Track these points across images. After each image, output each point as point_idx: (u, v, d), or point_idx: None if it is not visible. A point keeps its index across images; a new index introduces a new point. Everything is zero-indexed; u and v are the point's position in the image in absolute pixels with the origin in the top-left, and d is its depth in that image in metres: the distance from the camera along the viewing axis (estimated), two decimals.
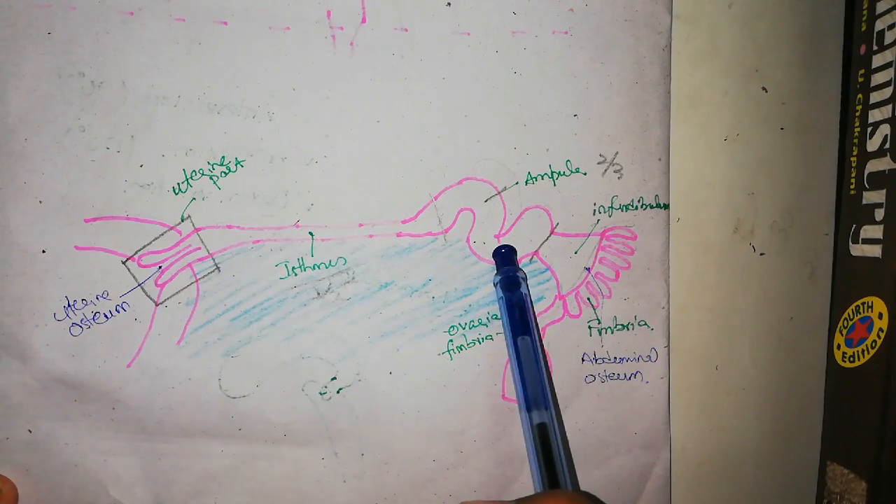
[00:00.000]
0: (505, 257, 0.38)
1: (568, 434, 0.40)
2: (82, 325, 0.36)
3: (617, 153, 0.39)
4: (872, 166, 0.38)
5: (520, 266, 0.38)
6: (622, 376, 0.40)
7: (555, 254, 0.39)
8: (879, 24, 0.38)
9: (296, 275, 0.37)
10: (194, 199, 0.36)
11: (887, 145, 0.37)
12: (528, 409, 0.34)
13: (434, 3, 0.36)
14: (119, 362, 0.36)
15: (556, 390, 0.39)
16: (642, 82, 0.38)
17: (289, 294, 0.37)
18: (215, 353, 0.37)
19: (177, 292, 0.36)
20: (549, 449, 0.32)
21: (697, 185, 0.41)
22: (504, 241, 0.38)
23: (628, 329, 0.40)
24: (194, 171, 0.36)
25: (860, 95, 0.39)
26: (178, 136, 0.35)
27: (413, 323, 0.38)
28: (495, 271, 0.38)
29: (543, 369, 0.35)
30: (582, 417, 0.40)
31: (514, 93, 0.37)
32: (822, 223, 0.43)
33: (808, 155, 0.42)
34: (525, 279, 0.38)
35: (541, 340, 0.38)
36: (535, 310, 0.39)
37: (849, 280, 0.40)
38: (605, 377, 0.40)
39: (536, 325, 0.38)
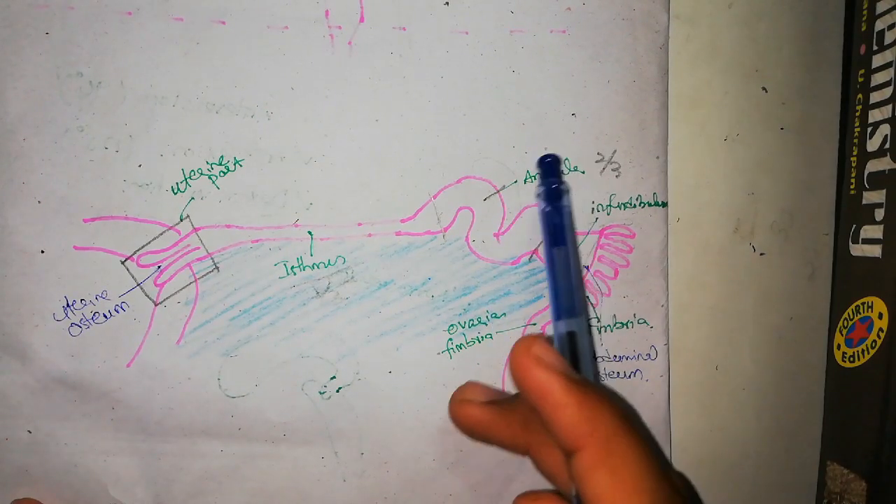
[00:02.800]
0: (549, 167, 0.37)
1: None
2: (81, 326, 0.36)
3: (615, 151, 0.39)
4: (872, 166, 0.38)
5: (561, 177, 0.38)
6: (622, 374, 0.40)
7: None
8: (879, 24, 0.38)
9: (295, 274, 0.37)
10: (193, 198, 0.36)
11: (887, 145, 0.37)
12: (558, 318, 0.34)
13: (432, 2, 0.36)
14: (118, 362, 0.36)
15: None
16: (640, 81, 0.38)
17: (288, 293, 0.37)
18: (215, 353, 0.37)
19: (176, 292, 0.36)
20: (576, 355, 0.34)
21: (697, 185, 0.41)
22: (504, 238, 0.38)
23: (627, 327, 0.40)
24: (193, 170, 0.36)
25: (860, 95, 0.39)
26: (177, 136, 0.35)
27: (412, 322, 0.38)
28: (540, 181, 0.38)
29: (574, 280, 0.36)
30: None
31: (512, 91, 0.37)
32: (822, 223, 0.43)
33: (808, 155, 0.42)
34: (568, 192, 0.38)
35: (577, 252, 0.39)
36: (535, 308, 0.39)
37: (849, 280, 0.40)
38: (604, 375, 0.40)
39: (574, 238, 0.39)
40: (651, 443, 0.38)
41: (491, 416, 0.34)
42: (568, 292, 0.35)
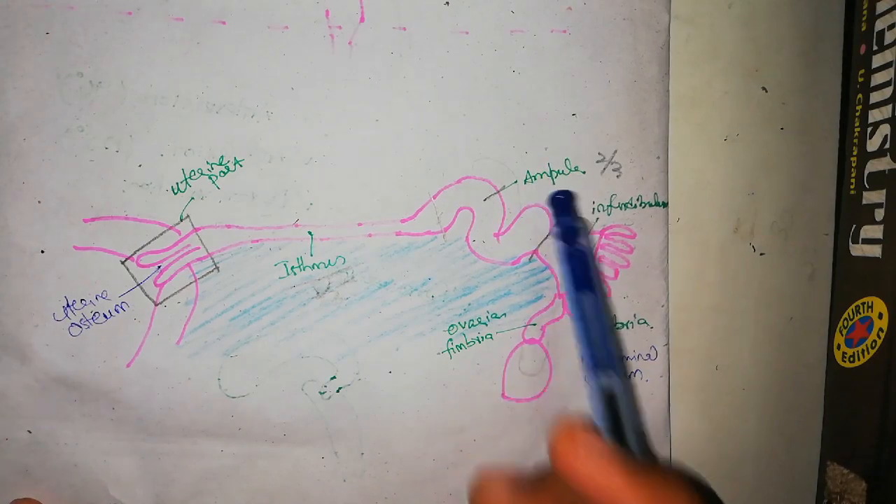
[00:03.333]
0: (562, 205, 0.35)
1: None
2: (81, 326, 0.36)
3: (615, 151, 0.39)
4: (872, 166, 0.38)
5: (577, 213, 0.36)
6: None
7: (554, 252, 0.39)
8: (879, 24, 0.38)
9: (295, 274, 0.37)
10: (193, 198, 0.36)
11: (887, 145, 0.37)
12: (596, 370, 0.30)
13: (432, 2, 0.36)
14: (118, 362, 0.36)
15: (555, 388, 0.39)
16: (641, 81, 0.38)
17: (288, 293, 0.37)
18: (215, 353, 0.37)
19: (176, 292, 0.36)
20: (618, 419, 0.29)
21: (697, 185, 0.41)
22: (504, 238, 0.38)
23: (628, 327, 0.40)
24: (193, 170, 0.36)
25: (860, 95, 0.39)
26: (177, 136, 0.35)
27: (412, 322, 0.38)
28: (554, 221, 0.36)
29: (609, 330, 0.32)
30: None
31: (512, 91, 0.37)
32: (822, 223, 0.43)
33: (808, 155, 0.42)
34: (586, 230, 0.35)
35: (605, 295, 0.37)
36: (535, 308, 0.39)
37: (849, 280, 0.40)
38: None
39: (601, 280, 0.36)
40: None
41: None
42: (603, 344, 0.31)
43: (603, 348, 0.31)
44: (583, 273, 0.33)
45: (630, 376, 0.38)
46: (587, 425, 0.27)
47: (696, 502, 0.25)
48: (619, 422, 0.29)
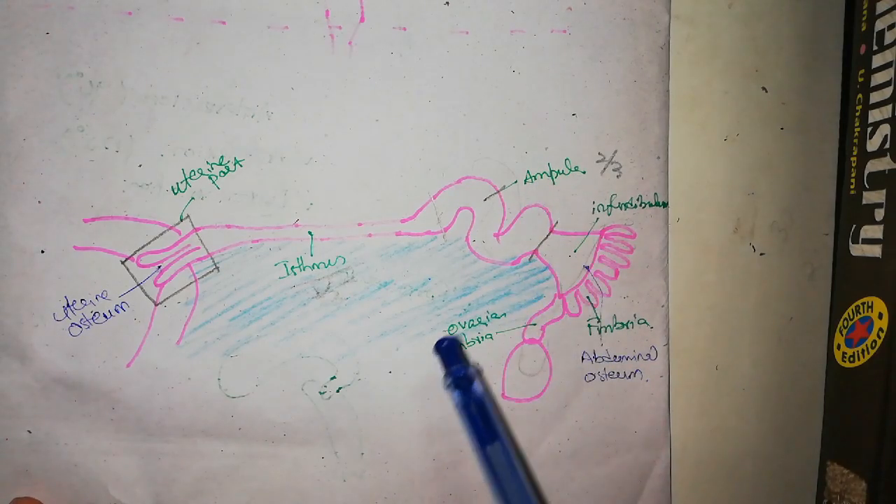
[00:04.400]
0: (448, 352, 0.34)
1: (568, 433, 0.40)
2: (81, 326, 0.36)
3: (616, 151, 0.39)
4: (872, 166, 0.38)
5: (467, 359, 0.35)
6: (622, 375, 0.40)
7: (554, 252, 0.39)
8: (879, 24, 0.38)
9: (295, 274, 0.37)
10: (193, 198, 0.36)
11: (887, 145, 0.37)
12: None
13: (432, 2, 0.36)
14: (118, 362, 0.36)
15: (555, 388, 0.39)
16: (641, 81, 0.38)
17: (288, 293, 0.37)
18: (215, 353, 0.37)
19: (176, 292, 0.36)
20: None
21: (697, 185, 0.41)
22: (504, 238, 0.38)
23: (628, 327, 0.40)
24: (193, 170, 0.36)
25: (860, 95, 0.39)
26: (177, 136, 0.35)
27: (412, 322, 0.38)
28: (443, 371, 0.35)
29: (523, 477, 0.30)
30: (582, 416, 0.40)
31: (512, 91, 0.37)
32: (822, 223, 0.43)
33: (808, 155, 0.42)
34: (479, 373, 0.34)
35: (511, 439, 0.35)
36: (535, 308, 0.39)
37: (849, 280, 0.40)
38: (604, 375, 0.40)
39: (503, 423, 0.34)
40: None
41: None
42: (521, 495, 0.30)
43: (523, 498, 0.30)
44: (484, 423, 0.32)
45: None
46: None
47: None
48: None
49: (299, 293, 0.37)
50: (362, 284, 0.38)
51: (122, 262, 0.36)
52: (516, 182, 0.38)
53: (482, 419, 0.32)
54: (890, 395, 0.36)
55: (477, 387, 0.33)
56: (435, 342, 0.35)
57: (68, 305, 0.35)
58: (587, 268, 0.39)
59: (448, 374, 0.35)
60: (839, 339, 0.41)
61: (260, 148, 0.36)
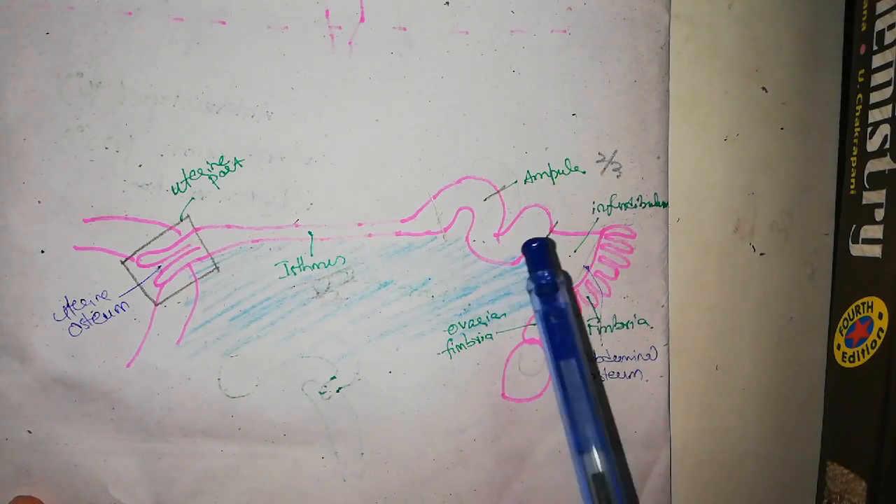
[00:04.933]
0: (538, 255, 0.32)
1: None
2: (81, 326, 0.36)
3: (616, 151, 0.39)
4: (872, 166, 0.38)
5: (557, 265, 0.32)
6: (622, 375, 0.40)
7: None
8: (879, 24, 0.38)
9: (295, 274, 0.37)
10: (193, 198, 0.36)
11: (887, 145, 0.37)
12: (580, 452, 0.29)
13: (432, 2, 0.36)
14: (118, 362, 0.36)
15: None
16: (641, 81, 0.38)
17: (288, 293, 0.37)
18: (215, 353, 0.37)
19: (176, 292, 0.36)
20: (608, 500, 0.28)
21: (697, 185, 0.41)
22: (504, 238, 0.38)
23: (628, 327, 0.40)
24: (193, 170, 0.36)
25: (860, 95, 0.39)
26: (177, 136, 0.35)
27: (412, 322, 0.38)
28: (529, 275, 0.33)
29: (594, 400, 0.29)
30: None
31: (512, 91, 0.37)
32: (822, 223, 0.43)
33: (808, 155, 0.42)
34: (564, 283, 0.32)
35: (591, 359, 0.34)
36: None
37: (849, 280, 0.40)
38: (604, 375, 0.40)
39: (585, 338, 0.33)
40: None
41: None
42: (587, 418, 0.29)
43: (588, 424, 0.29)
44: (563, 337, 0.30)
45: (616, 451, 0.33)
46: None
47: None
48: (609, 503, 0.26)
49: (299, 293, 0.37)
50: (362, 284, 0.38)
51: (122, 262, 0.36)
52: (516, 182, 0.38)
53: (560, 332, 0.30)
54: (890, 395, 0.36)
55: (562, 296, 0.31)
56: (525, 241, 0.32)
57: (68, 305, 0.35)
58: (587, 268, 0.39)
59: (532, 278, 0.32)
60: (839, 339, 0.41)
61: (260, 148, 0.36)
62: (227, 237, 0.36)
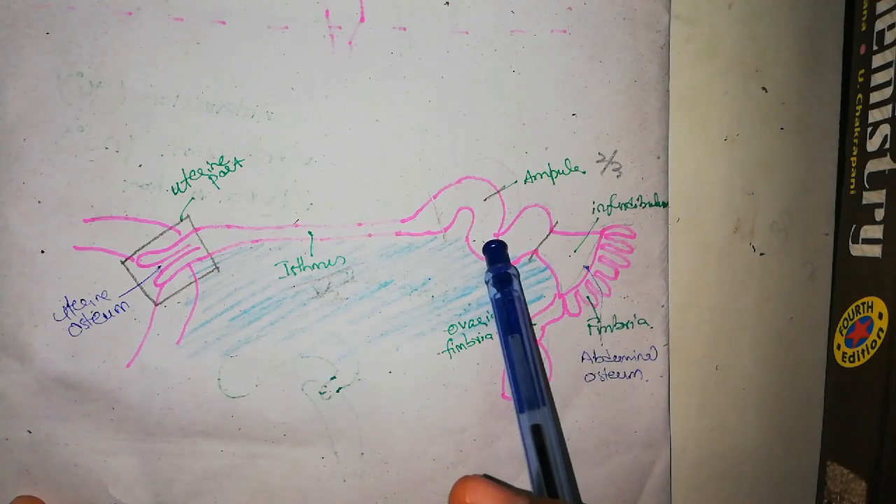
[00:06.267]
0: (495, 253, 0.37)
1: (568, 433, 0.40)
2: (81, 326, 0.36)
3: (616, 151, 0.39)
4: (872, 166, 0.38)
5: (510, 262, 0.38)
6: (622, 375, 0.40)
7: (554, 252, 0.39)
8: (879, 24, 0.38)
9: (295, 274, 0.37)
10: (193, 198, 0.36)
11: (887, 145, 0.37)
12: (522, 410, 0.34)
13: (432, 2, 0.36)
14: (118, 362, 0.36)
15: (555, 388, 0.39)
16: (641, 81, 0.38)
17: (288, 293, 0.37)
18: (215, 353, 0.37)
19: (176, 292, 0.36)
20: (544, 451, 0.32)
21: (697, 185, 0.41)
22: (504, 238, 0.38)
23: (628, 327, 0.40)
24: (193, 170, 0.36)
25: (860, 95, 0.39)
26: (177, 136, 0.35)
27: (412, 322, 0.38)
28: (486, 268, 0.38)
29: (537, 367, 0.35)
30: (582, 416, 0.40)
31: (512, 91, 0.37)
32: (822, 223, 0.43)
33: (808, 155, 0.42)
34: (517, 276, 0.37)
35: (534, 338, 0.38)
36: (535, 308, 0.39)
37: (849, 280, 0.40)
38: (604, 375, 0.40)
39: (530, 322, 0.38)
40: None
41: None
42: (528, 382, 0.34)
43: (529, 388, 0.34)
44: (511, 318, 0.35)
45: (555, 410, 0.39)
46: (477, 481, 0.30)
47: None
48: (546, 453, 0.32)
49: (299, 293, 0.37)
50: (362, 284, 0.38)
51: (122, 262, 0.36)
52: (516, 182, 0.38)
53: (509, 313, 0.35)
54: (890, 395, 0.36)
55: (514, 286, 0.36)
56: (485, 242, 0.38)
57: (68, 305, 0.35)
58: (587, 268, 0.39)
59: (490, 270, 0.37)
60: (839, 339, 0.41)
61: (260, 148, 0.36)
62: (227, 237, 0.36)
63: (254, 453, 0.38)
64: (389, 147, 0.37)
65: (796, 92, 0.41)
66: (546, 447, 0.32)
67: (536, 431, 0.33)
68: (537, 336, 0.39)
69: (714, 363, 0.42)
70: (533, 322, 0.39)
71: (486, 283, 0.37)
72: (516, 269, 0.38)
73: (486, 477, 0.30)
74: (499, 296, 0.36)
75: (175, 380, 0.37)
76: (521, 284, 0.38)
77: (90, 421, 0.36)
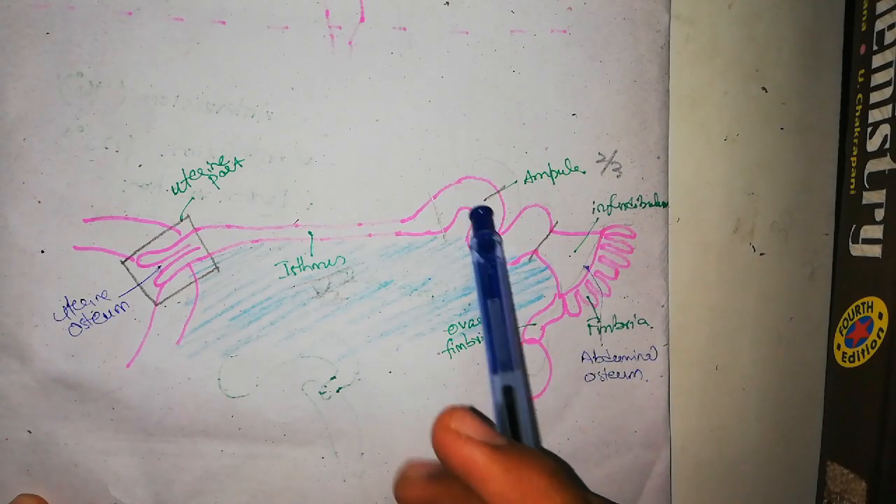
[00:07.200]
0: (482, 219, 0.37)
1: (568, 433, 0.40)
2: (81, 326, 0.36)
3: (616, 151, 0.39)
4: (872, 166, 0.38)
5: (495, 229, 0.38)
6: (622, 375, 0.40)
7: (554, 252, 0.39)
8: (879, 24, 0.38)
9: (295, 274, 0.37)
10: (193, 198, 0.36)
11: (887, 145, 0.37)
12: (495, 371, 0.34)
13: (432, 2, 0.36)
14: (118, 362, 0.36)
15: (555, 388, 0.39)
16: (641, 81, 0.38)
17: (288, 293, 0.37)
18: (215, 353, 0.37)
19: (176, 292, 0.36)
20: (513, 411, 0.33)
21: (697, 185, 0.41)
22: (504, 238, 0.38)
23: (628, 327, 0.40)
24: (193, 170, 0.36)
25: (860, 95, 0.39)
26: (177, 136, 0.35)
27: (412, 322, 0.38)
28: (473, 233, 0.38)
29: (510, 332, 0.35)
30: (582, 416, 0.40)
31: (512, 91, 0.37)
32: (822, 223, 0.43)
33: (808, 155, 0.42)
34: (500, 242, 0.38)
35: (512, 307, 0.38)
36: (535, 308, 0.39)
37: (849, 280, 0.40)
38: (604, 375, 0.40)
39: (509, 289, 0.38)
40: (585, 492, 0.36)
41: (433, 494, 0.31)
42: (503, 345, 0.35)
43: (504, 351, 0.35)
44: (491, 282, 0.36)
45: (527, 374, 0.39)
46: (463, 411, 0.30)
47: (551, 475, 0.28)
48: (515, 412, 0.33)
49: (299, 293, 0.37)
50: (362, 284, 0.38)
51: (122, 262, 0.36)
52: (516, 182, 0.38)
53: (490, 278, 0.36)
54: (890, 395, 0.36)
55: (497, 252, 0.37)
56: (473, 207, 0.38)
57: (68, 305, 0.35)
58: (587, 268, 0.39)
59: (476, 235, 0.37)
60: (839, 339, 0.41)
61: (260, 148, 0.36)
62: (227, 237, 0.36)
63: (254, 453, 0.38)
64: (389, 147, 0.37)
65: (796, 92, 0.41)
66: (516, 408, 0.33)
67: (507, 392, 0.33)
68: (537, 336, 0.39)
69: (714, 363, 0.42)
70: (533, 322, 0.39)
71: (471, 248, 0.38)
72: (500, 238, 0.38)
73: (472, 410, 0.30)
74: (482, 261, 0.36)
75: (175, 380, 0.37)
76: (503, 252, 0.38)
77: (90, 421, 0.36)
